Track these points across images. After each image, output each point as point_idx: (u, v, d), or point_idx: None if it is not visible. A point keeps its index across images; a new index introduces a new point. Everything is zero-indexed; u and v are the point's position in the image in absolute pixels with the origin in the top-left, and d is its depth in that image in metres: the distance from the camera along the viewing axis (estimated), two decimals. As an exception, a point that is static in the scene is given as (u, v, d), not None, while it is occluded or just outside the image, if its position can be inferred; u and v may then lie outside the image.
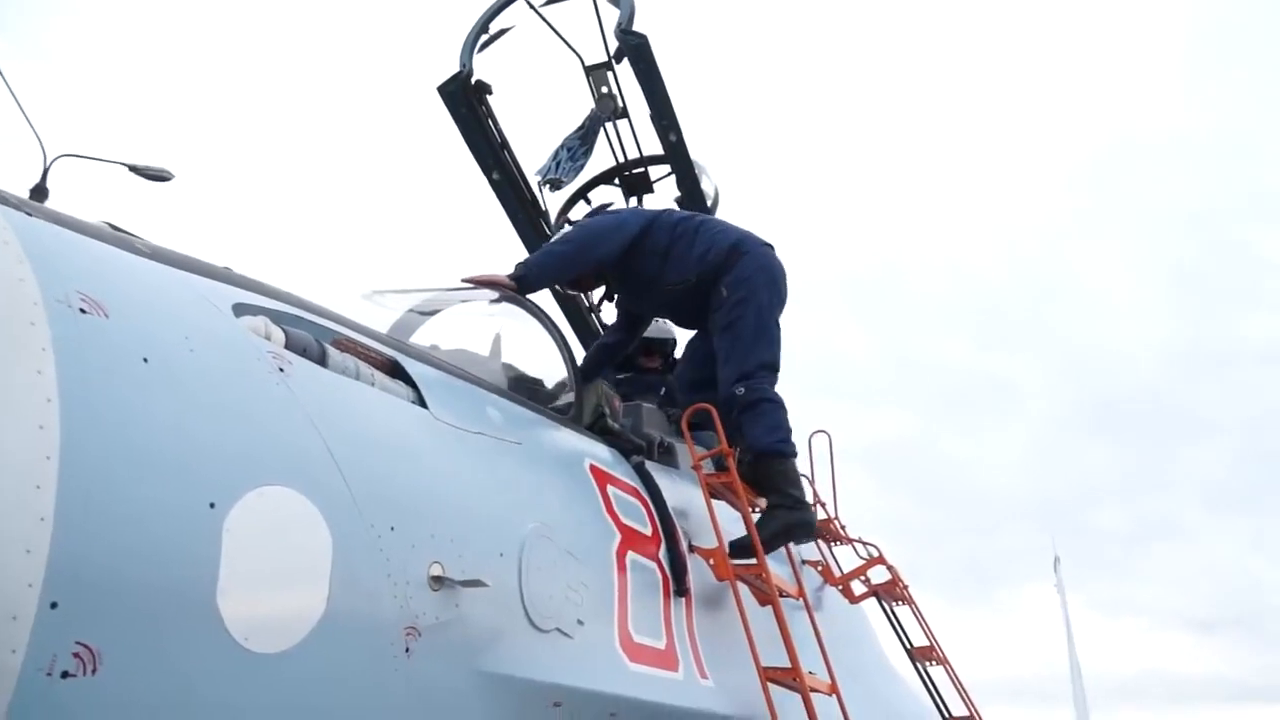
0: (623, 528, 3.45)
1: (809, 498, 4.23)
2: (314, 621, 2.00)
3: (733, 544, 3.98)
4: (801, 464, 5.51)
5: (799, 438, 4.61)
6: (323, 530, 2.06)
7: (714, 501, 4.11)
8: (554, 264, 4.52)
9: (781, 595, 4.10)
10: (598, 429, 4.15)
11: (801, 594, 4.60)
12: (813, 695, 3.89)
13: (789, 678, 3.82)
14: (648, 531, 3.66)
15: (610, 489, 3.55)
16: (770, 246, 4.75)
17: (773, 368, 4.49)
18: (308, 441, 2.14)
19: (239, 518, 1.88)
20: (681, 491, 4.24)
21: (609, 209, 5.34)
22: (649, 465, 4.24)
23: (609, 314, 6.61)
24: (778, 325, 4.62)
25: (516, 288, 4.15)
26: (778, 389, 4.48)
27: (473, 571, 2.47)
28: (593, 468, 3.56)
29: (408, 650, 2.26)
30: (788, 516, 4.15)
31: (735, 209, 6.19)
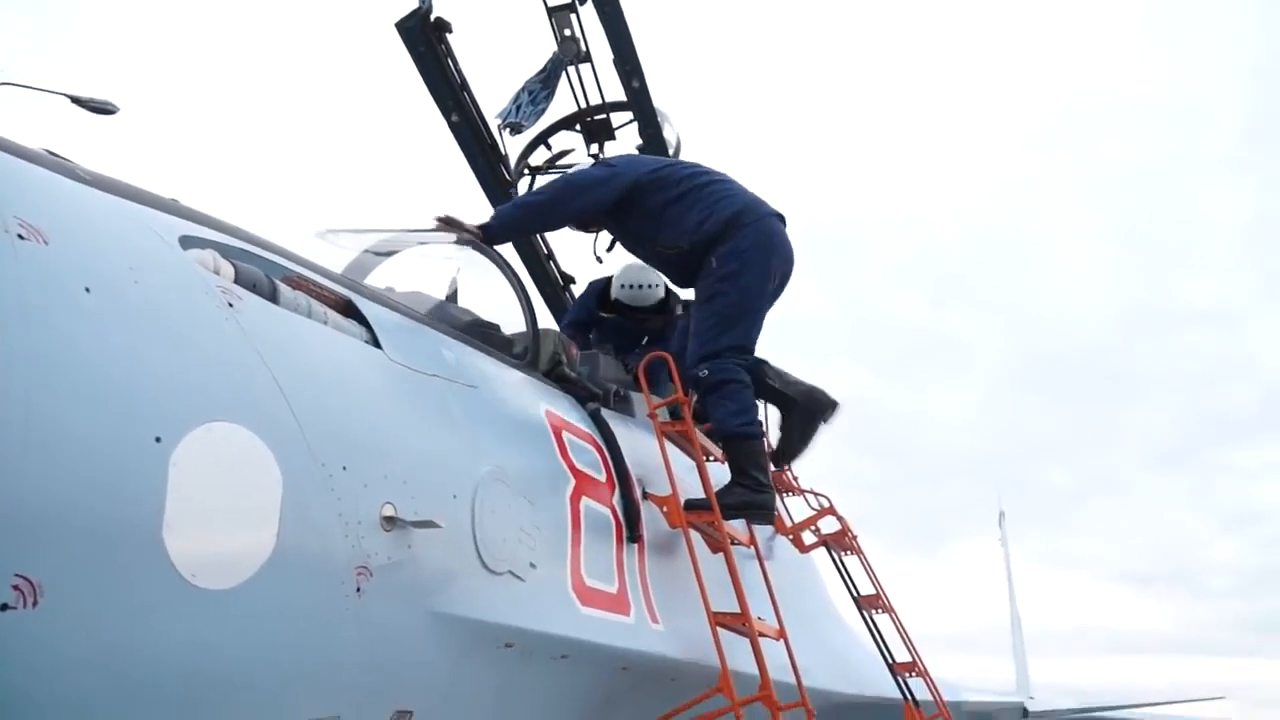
0: (577, 473, 3.46)
1: (771, 479, 4.24)
2: (263, 559, 1.97)
3: (688, 502, 4.01)
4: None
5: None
6: (272, 467, 2.03)
7: (669, 450, 4.14)
8: (523, 216, 4.41)
9: (733, 543, 4.15)
10: (554, 376, 4.13)
11: (753, 542, 4.67)
12: (761, 640, 3.96)
13: (738, 623, 3.88)
14: (602, 478, 3.67)
15: (565, 435, 3.54)
16: (776, 217, 4.53)
17: (743, 350, 4.37)
18: (257, 378, 2.10)
19: (186, 452, 1.84)
20: (637, 439, 4.25)
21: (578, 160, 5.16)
22: (605, 413, 4.25)
23: (568, 262, 6.57)
24: (760, 305, 4.45)
25: (481, 235, 4.07)
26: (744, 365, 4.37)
27: (425, 513, 2.45)
28: (548, 414, 3.55)
29: (359, 590, 2.24)
30: (749, 496, 4.16)
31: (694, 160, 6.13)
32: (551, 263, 6.47)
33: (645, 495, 3.99)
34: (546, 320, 6.12)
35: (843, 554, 6.10)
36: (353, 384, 2.48)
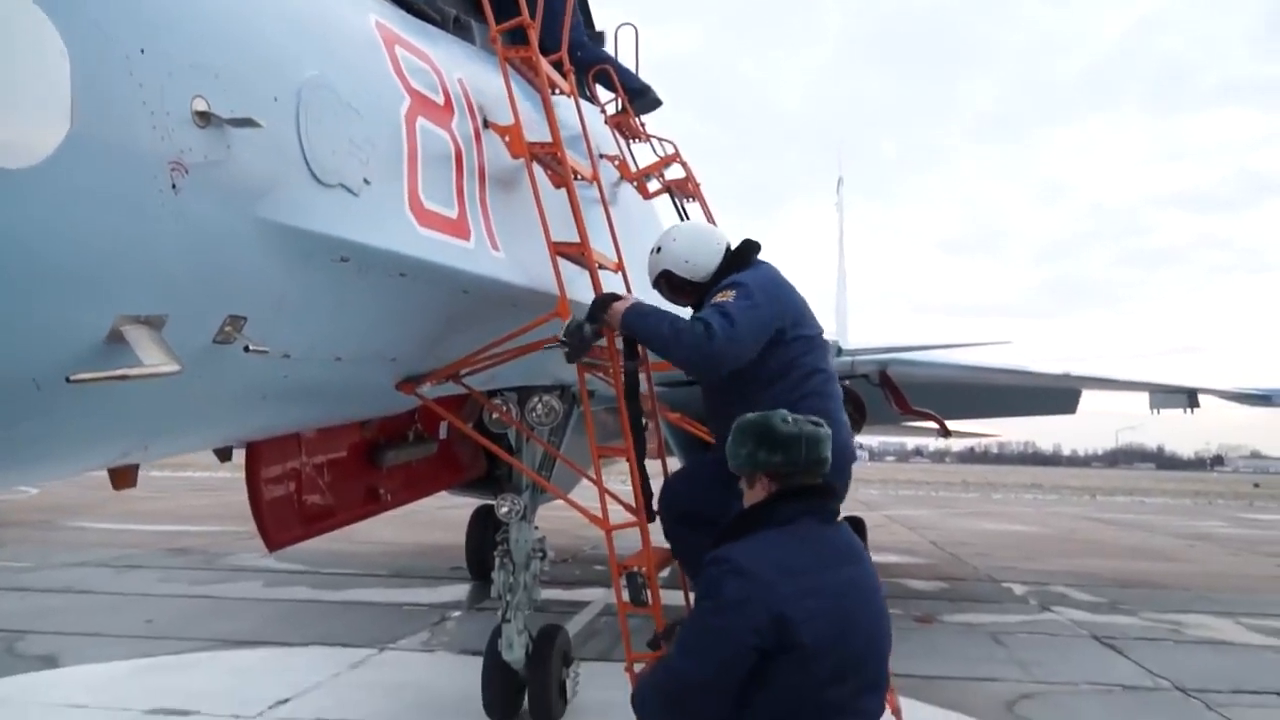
0: (412, 92, 3.28)
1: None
2: (58, 139, 1.81)
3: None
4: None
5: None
6: (54, 38, 1.81)
7: (511, 78, 3.97)
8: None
9: (576, 179, 4.15)
10: (388, -8, 3.80)
11: (596, 179, 4.68)
12: (600, 272, 4.09)
13: (577, 252, 3.98)
14: (440, 101, 3.51)
15: (398, 50, 3.32)
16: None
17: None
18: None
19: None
20: (477, 66, 4.05)
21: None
22: (444, 35, 4.00)
23: None
24: None
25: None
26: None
27: (243, 111, 2.29)
28: (379, 25, 3.29)
29: (174, 186, 2.12)
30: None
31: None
32: None
33: (487, 123, 3.86)
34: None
35: (685, 200, 6.24)
36: (145, -43, 2.17)
